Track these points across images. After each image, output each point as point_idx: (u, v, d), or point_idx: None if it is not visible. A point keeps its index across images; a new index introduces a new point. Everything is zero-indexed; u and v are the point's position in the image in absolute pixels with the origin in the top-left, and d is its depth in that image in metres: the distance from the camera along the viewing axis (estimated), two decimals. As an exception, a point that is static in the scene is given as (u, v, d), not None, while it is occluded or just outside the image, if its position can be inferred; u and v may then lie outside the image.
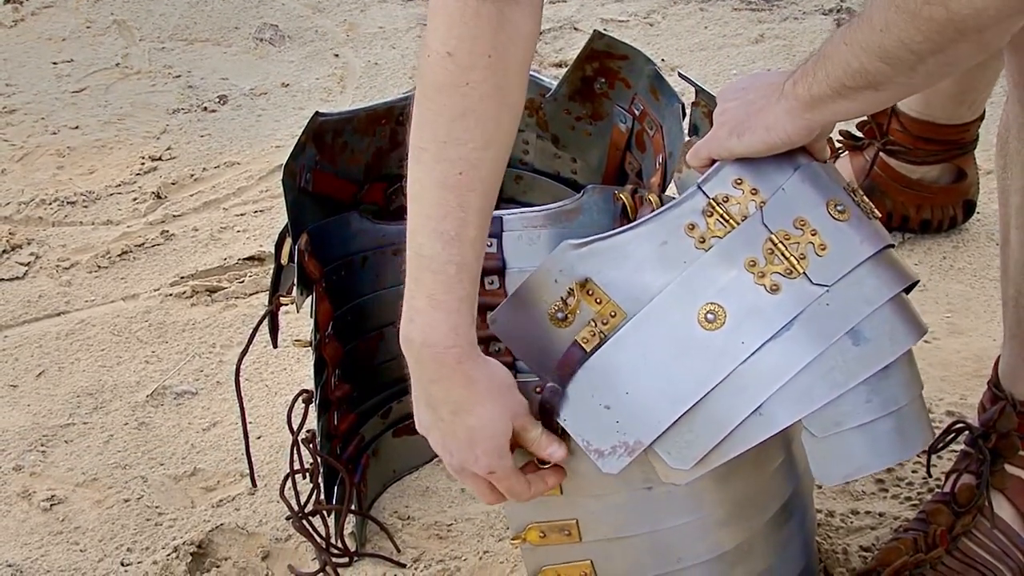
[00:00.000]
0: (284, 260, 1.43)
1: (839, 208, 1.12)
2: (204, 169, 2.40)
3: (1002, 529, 1.39)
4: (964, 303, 1.87)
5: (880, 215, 1.18)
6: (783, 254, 1.09)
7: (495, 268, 1.56)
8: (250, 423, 1.71)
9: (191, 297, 2.04)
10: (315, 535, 1.46)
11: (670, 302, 1.08)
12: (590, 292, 1.10)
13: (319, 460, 1.45)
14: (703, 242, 1.09)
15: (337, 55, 2.83)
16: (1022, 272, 1.36)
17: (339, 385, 1.49)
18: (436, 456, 1.65)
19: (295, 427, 1.45)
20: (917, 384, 1.15)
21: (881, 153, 1.93)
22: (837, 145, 2.01)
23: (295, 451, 1.46)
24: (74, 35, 2.96)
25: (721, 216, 1.10)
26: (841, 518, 1.52)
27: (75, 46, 2.92)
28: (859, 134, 1.98)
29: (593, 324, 1.10)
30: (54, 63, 2.84)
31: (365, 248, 1.54)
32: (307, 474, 1.47)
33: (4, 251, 2.18)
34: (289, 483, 1.46)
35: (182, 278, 2.09)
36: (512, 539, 1.25)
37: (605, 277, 1.09)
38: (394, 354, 1.58)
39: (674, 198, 1.40)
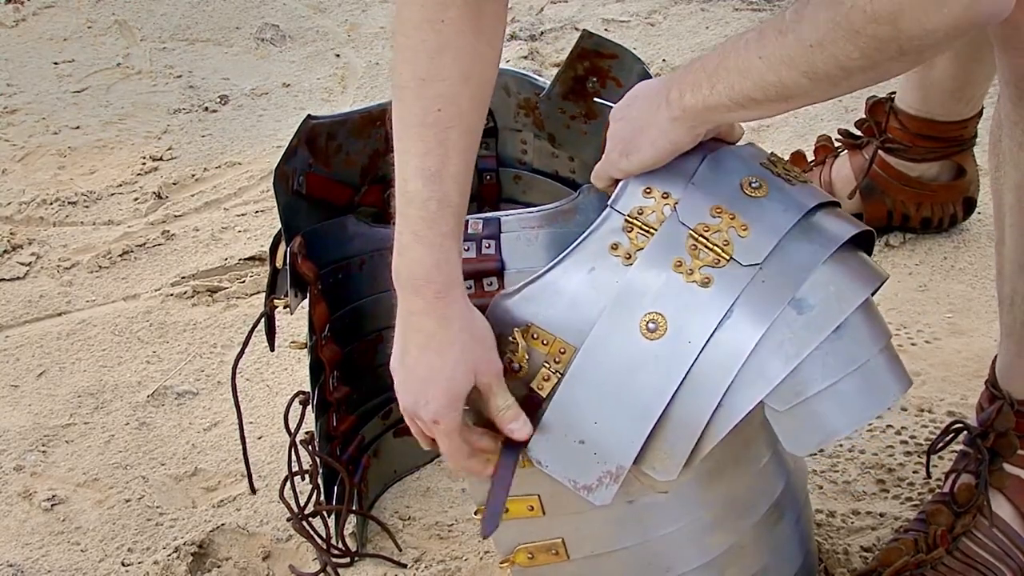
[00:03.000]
0: (279, 263, 1.43)
1: (754, 185, 1.12)
2: (205, 169, 2.40)
3: (1002, 529, 1.39)
4: (965, 303, 1.87)
5: (807, 179, 1.17)
6: (707, 246, 1.09)
7: (494, 269, 1.56)
8: (251, 423, 1.72)
9: (192, 297, 2.04)
10: (315, 536, 1.46)
11: (610, 324, 1.09)
12: (535, 336, 1.10)
13: (318, 461, 1.45)
14: (628, 257, 1.10)
15: (338, 55, 2.83)
16: (1018, 271, 1.36)
17: (338, 387, 1.49)
18: (437, 456, 1.67)
19: (292, 429, 1.45)
20: (882, 335, 1.13)
21: (880, 151, 1.93)
22: (836, 144, 2.01)
23: (293, 452, 1.46)
24: (75, 35, 2.96)
25: (640, 228, 1.10)
26: (842, 518, 1.52)
27: (76, 46, 2.92)
28: (858, 133, 1.97)
29: (547, 366, 1.10)
30: (55, 63, 2.85)
31: (362, 251, 1.54)
32: (306, 475, 1.47)
33: (5, 251, 2.19)
34: (289, 484, 1.46)
35: (183, 278, 2.09)
36: (500, 563, 1.25)
37: (545, 317, 1.10)
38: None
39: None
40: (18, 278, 2.13)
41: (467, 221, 1.55)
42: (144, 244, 2.19)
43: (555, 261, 1.11)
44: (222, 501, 1.62)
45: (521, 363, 1.11)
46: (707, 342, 1.07)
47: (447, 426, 1.14)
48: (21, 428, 1.78)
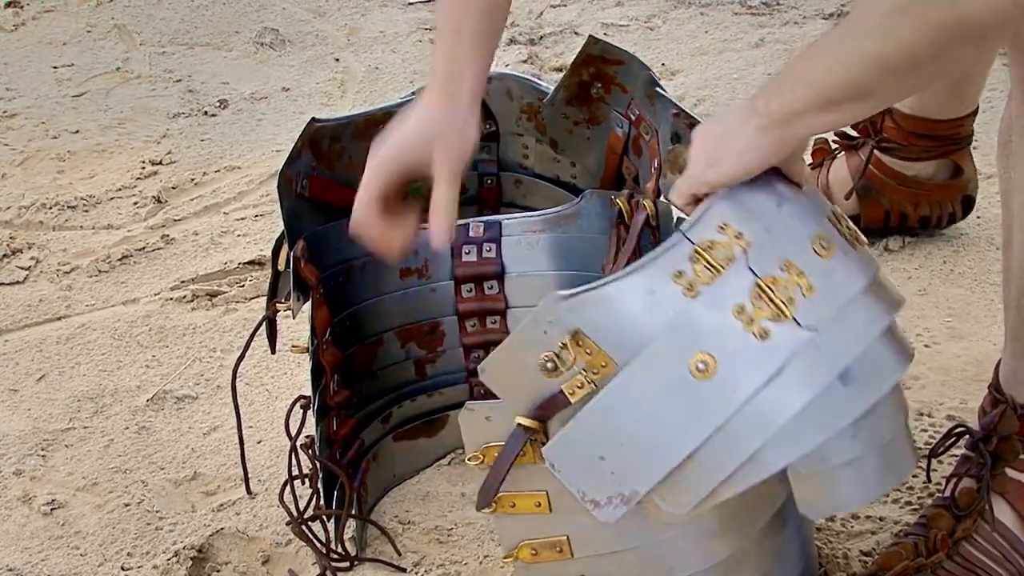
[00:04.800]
0: (281, 266, 1.43)
1: (824, 244, 1.11)
2: (204, 173, 2.40)
3: (1002, 533, 1.39)
4: (964, 307, 1.87)
5: (866, 241, 1.18)
6: (770, 299, 1.08)
7: (494, 273, 1.56)
8: (250, 427, 1.72)
9: (191, 301, 2.04)
10: (315, 540, 1.46)
11: (661, 353, 1.08)
12: (580, 343, 1.09)
13: (318, 465, 1.45)
14: (690, 289, 1.08)
15: (338, 59, 2.83)
16: None
17: (338, 391, 1.49)
18: (437, 460, 1.67)
19: (293, 433, 1.45)
20: (902, 412, 1.15)
21: (876, 151, 1.93)
22: (833, 146, 2.01)
23: (293, 457, 1.46)
24: (75, 39, 2.97)
25: (707, 263, 1.09)
26: (841, 523, 1.52)
27: (76, 50, 2.92)
28: (854, 133, 1.97)
29: (584, 374, 1.10)
30: (55, 67, 2.85)
31: (364, 253, 1.54)
32: (306, 479, 1.47)
33: (4, 255, 2.19)
34: (289, 488, 1.46)
35: (182, 282, 2.09)
36: (504, 557, 1.25)
37: (595, 328, 1.09)
38: (393, 359, 1.59)
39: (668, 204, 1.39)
40: (17, 282, 2.13)
41: (468, 224, 1.56)
42: (143, 248, 2.19)
43: (617, 275, 1.09)
44: (222, 505, 1.62)
45: (560, 365, 1.10)
46: (752, 395, 1.07)
47: (370, 171, 1.32)
48: (20, 432, 1.78)
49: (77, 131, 2.58)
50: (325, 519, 1.48)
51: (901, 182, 1.94)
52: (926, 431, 1.64)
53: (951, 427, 1.48)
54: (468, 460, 1.19)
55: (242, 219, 2.26)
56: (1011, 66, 1.31)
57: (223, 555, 1.56)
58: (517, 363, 1.12)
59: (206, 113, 2.63)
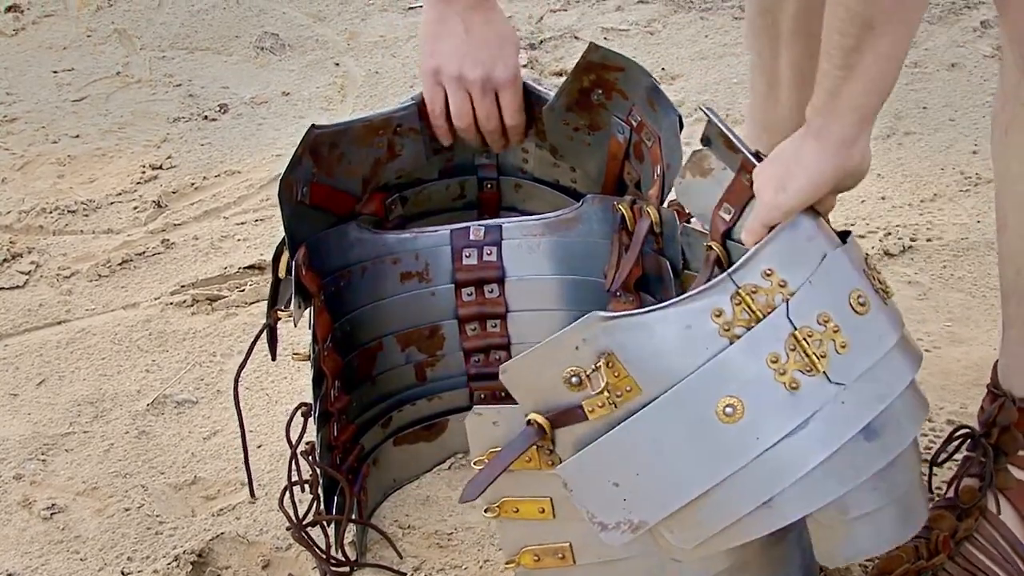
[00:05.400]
0: (282, 274, 1.43)
1: (860, 301, 1.14)
2: (205, 178, 2.40)
3: (1003, 534, 1.39)
4: (964, 312, 1.87)
5: (893, 292, 1.20)
6: (805, 351, 1.10)
7: (495, 277, 1.56)
8: (251, 432, 1.72)
9: (191, 306, 2.04)
10: (315, 546, 1.46)
11: (691, 391, 1.09)
12: (610, 364, 1.10)
13: (319, 472, 1.45)
14: (727, 330, 1.10)
15: (338, 64, 2.83)
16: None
17: (339, 397, 1.49)
18: (437, 465, 1.67)
19: (294, 439, 1.45)
20: (917, 463, 1.17)
21: None
22: None
23: (294, 463, 1.46)
24: (75, 44, 2.97)
25: (748, 307, 1.11)
26: (842, 527, 1.52)
27: (76, 55, 2.92)
28: None
29: (607, 394, 1.10)
30: (55, 72, 2.85)
31: (364, 258, 1.54)
32: (306, 485, 1.47)
33: (5, 260, 2.19)
34: (288, 495, 1.46)
35: (182, 287, 2.09)
36: (506, 563, 1.25)
37: (628, 352, 1.10)
38: (393, 364, 1.59)
39: (672, 205, 1.39)
40: (18, 287, 2.13)
41: (469, 227, 1.56)
42: (144, 253, 2.19)
43: (659, 305, 1.11)
44: (221, 510, 1.62)
45: (586, 381, 1.11)
46: (775, 444, 1.09)
47: (429, 88, 1.48)
48: (21, 437, 1.78)
49: (77, 135, 2.58)
50: (325, 524, 1.48)
51: None
52: (926, 435, 1.64)
53: (952, 430, 1.48)
54: (474, 464, 1.19)
55: (242, 223, 2.26)
56: (1001, 31, 1.32)
57: (223, 559, 1.56)
58: (542, 371, 1.13)
59: (206, 117, 2.63)
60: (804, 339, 1.10)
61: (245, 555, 1.56)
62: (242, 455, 1.60)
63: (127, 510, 1.64)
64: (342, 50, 2.89)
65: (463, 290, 1.57)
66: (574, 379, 1.11)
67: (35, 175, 2.45)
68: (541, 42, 2.84)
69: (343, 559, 1.50)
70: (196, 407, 1.82)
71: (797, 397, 1.09)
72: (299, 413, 1.45)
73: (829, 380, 1.10)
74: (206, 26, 3.02)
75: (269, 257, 2.08)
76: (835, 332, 1.11)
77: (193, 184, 2.38)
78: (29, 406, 1.85)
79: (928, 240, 2.03)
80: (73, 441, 1.77)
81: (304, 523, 1.45)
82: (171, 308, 2.04)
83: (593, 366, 1.10)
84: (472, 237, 1.56)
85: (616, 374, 1.10)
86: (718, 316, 1.10)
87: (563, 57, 2.75)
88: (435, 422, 1.64)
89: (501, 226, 1.55)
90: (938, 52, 2.63)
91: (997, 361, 1.44)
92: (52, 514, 1.65)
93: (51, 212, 2.31)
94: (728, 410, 1.09)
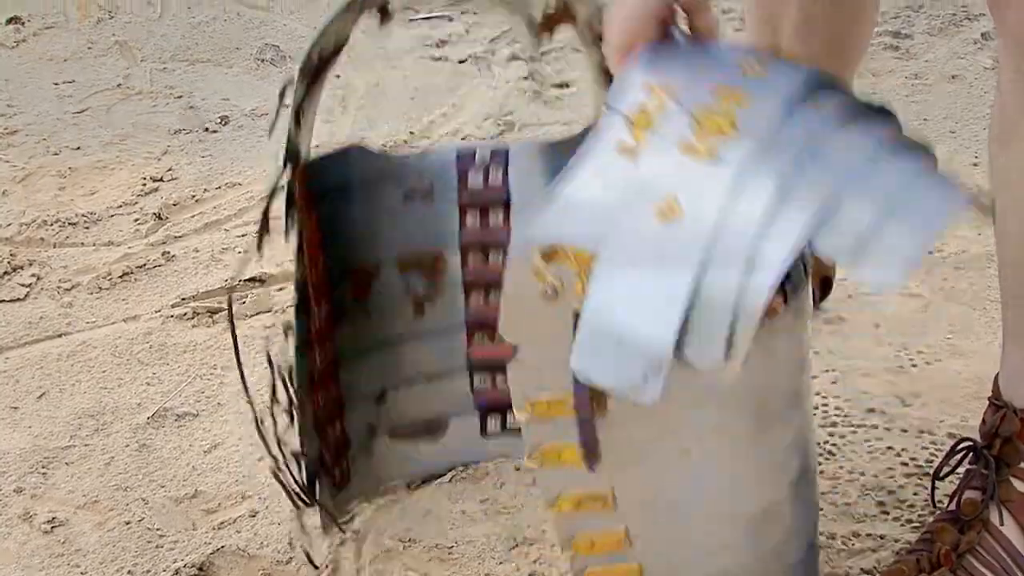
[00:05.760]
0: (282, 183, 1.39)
1: (754, 66, 1.12)
2: (206, 190, 2.41)
3: (1005, 547, 1.39)
4: (965, 324, 1.87)
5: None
6: (710, 121, 1.08)
7: (500, 200, 1.53)
8: (250, 445, 1.71)
9: (192, 318, 2.04)
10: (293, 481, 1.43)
11: (624, 218, 1.07)
12: (561, 255, 1.08)
13: (293, 398, 1.42)
14: (635, 153, 1.08)
15: (339, 76, 2.84)
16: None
17: (325, 323, 1.44)
18: (433, 475, 1.66)
19: (275, 364, 1.43)
20: (933, 155, 1.11)
21: None
22: None
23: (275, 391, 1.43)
24: (76, 56, 2.97)
25: (644, 124, 1.09)
26: (842, 541, 1.52)
27: (77, 67, 2.92)
28: None
29: (580, 280, 1.08)
30: (56, 84, 2.85)
31: (365, 176, 1.52)
32: (284, 414, 1.44)
33: (5, 272, 2.19)
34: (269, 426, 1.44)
35: (183, 299, 2.10)
36: (547, 509, 1.22)
37: (568, 233, 1.08)
38: (391, 291, 1.54)
39: None
40: (18, 299, 2.13)
41: (475, 149, 1.54)
42: (144, 265, 2.19)
43: (566, 176, 1.08)
44: (222, 523, 1.62)
45: (556, 287, 1.08)
46: (723, 213, 1.05)
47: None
48: (21, 450, 1.78)
49: (78, 147, 2.58)
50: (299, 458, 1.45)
51: None
52: (927, 448, 1.64)
53: (954, 443, 1.48)
54: (519, 418, 1.15)
55: (243, 236, 2.26)
56: (998, 30, 1.31)
57: (224, 573, 1.56)
58: (525, 311, 1.10)
59: (207, 130, 2.63)
60: (704, 115, 1.08)
61: (246, 568, 1.56)
62: (243, 467, 1.60)
63: (128, 523, 1.64)
64: (343, 62, 2.89)
65: (467, 214, 1.55)
66: (549, 292, 1.08)
67: (36, 187, 2.45)
68: (542, 54, 2.84)
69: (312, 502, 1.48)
70: (196, 420, 1.82)
71: (719, 160, 1.06)
72: (280, 376, 1.42)
73: (748, 132, 1.07)
74: (207, 38, 3.02)
75: (270, 270, 2.09)
76: (732, 95, 1.09)
77: (194, 196, 2.39)
78: (30, 419, 1.85)
79: (928, 252, 2.03)
80: (74, 454, 1.77)
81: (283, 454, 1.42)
82: (172, 321, 2.04)
83: (548, 265, 1.07)
84: (478, 159, 1.54)
85: (574, 258, 1.07)
86: (624, 149, 1.09)
87: (563, 70, 2.76)
88: (435, 419, 1.63)
89: (507, 150, 1.54)
90: (938, 64, 2.63)
91: (998, 373, 1.44)
92: (53, 527, 1.64)
93: (52, 224, 2.32)
94: (665, 210, 1.06)
